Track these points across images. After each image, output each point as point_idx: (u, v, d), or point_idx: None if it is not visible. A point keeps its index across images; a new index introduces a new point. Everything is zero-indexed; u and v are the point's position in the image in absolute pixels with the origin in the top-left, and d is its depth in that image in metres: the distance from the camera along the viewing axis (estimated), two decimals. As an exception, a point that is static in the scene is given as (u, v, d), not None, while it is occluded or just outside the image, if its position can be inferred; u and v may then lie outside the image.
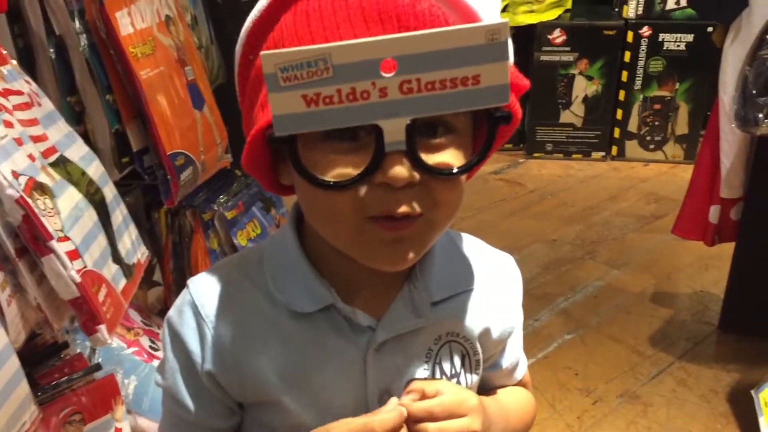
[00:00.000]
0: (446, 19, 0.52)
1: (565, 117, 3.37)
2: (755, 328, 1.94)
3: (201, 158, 1.38)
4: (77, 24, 1.15)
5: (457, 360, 0.68)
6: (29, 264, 0.83)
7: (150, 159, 1.29)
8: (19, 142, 0.84)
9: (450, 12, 0.52)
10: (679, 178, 3.05)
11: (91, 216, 0.93)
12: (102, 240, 0.94)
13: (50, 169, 0.88)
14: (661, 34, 3.15)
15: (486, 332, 0.69)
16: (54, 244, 0.81)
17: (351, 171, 0.52)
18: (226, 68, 1.69)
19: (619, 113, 3.34)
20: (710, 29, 2.76)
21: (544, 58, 3.27)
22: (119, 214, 1.03)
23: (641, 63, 3.21)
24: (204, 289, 0.65)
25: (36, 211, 0.80)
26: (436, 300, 0.65)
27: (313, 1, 0.52)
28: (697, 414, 1.71)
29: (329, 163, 0.53)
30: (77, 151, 0.98)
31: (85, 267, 0.86)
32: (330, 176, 0.52)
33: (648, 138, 3.34)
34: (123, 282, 0.97)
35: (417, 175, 0.52)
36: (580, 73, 3.28)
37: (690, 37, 3.13)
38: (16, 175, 0.80)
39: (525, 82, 0.56)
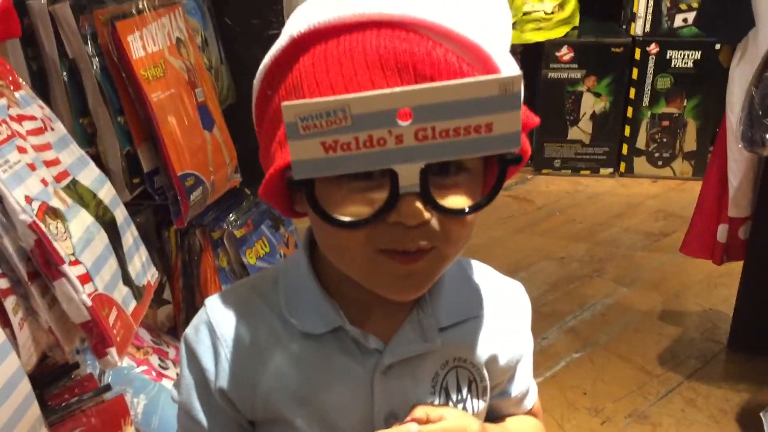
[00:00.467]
0: (460, 65, 0.53)
1: (573, 133, 3.37)
2: (765, 347, 1.94)
3: (211, 178, 1.40)
4: (90, 47, 1.16)
5: (464, 386, 0.68)
6: (41, 288, 0.84)
7: (161, 180, 1.30)
8: (32, 167, 0.85)
9: (464, 54, 0.53)
10: (687, 195, 3.04)
11: (102, 239, 0.94)
12: (113, 263, 0.96)
13: (62, 193, 0.89)
14: (668, 51, 3.16)
15: (493, 359, 0.70)
16: (66, 268, 0.82)
17: (365, 209, 0.53)
18: (236, 88, 1.71)
19: (627, 130, 3.34)
20: (717, 46, 2.76)
21: (551, 75, 3.28)
22: (130, 236, 1.04)
23: (649, 80, 3.22)
24: (220, 309, 0.67)
25: (48, 235, 0.81)
26: (444, 325, 0.66)
27: (331, 46, 0.53)
28: (707, 435, 1.70)
29: (344, 199, 0.54)
30: (89, 175, 0.99)
31: (96, 290, 0.87)
32: (344, 213, 0.54)
33: (656, 154, 3.34)
34: (133, 304, 0.98)
35: (430, 215, 0.53)
36: (588, 90, 3.29)
37: (698, 54, 3.13)
38: (29, 200, 0.81)
39: (535, 120, 0.57)
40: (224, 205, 1.63)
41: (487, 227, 2.81)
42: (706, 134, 3.24)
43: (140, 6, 1.27)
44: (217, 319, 0.67)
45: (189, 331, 0.69)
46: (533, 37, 3.26)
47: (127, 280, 0.99)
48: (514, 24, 3.22)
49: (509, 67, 0.55)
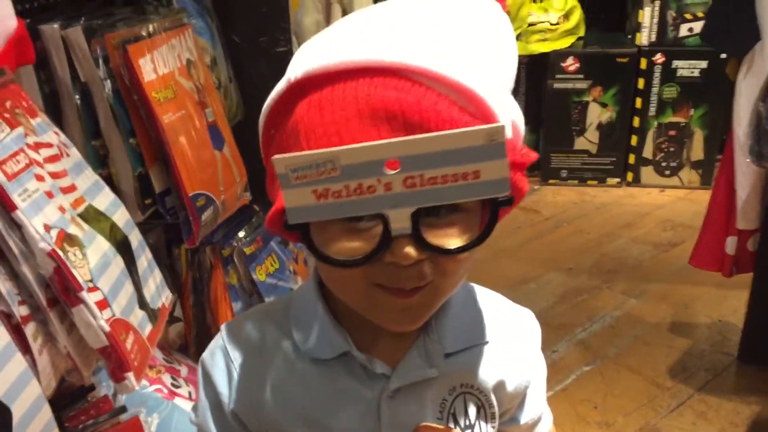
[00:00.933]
0: (450, 112, 0.53)
1: (580, 144, 3.38)
2: (775, 359, 1.93)
3: (221, 198, 1.41)
4: (101, 71, 1.18)
5: (472, 411, 0.69)
6: (60, 314, 0.85)
7: (172, 200, 1.31)
8: (49, 194, 0.86)
9: (458, 99, 0.54)
10: (695, 204, 3.04)
11: (118, 264, 0.95)
12: (129, 287, 0.96)
13: (79, 220, 0.90)
14: (674, 61, 3.16)
15: (500, 385, 0.71)
16: (84, 294, 0.83)
17: (361, 246, 0.55)
18: (245, 105, 1.72)
19: (634, 139, 3.34)
20: (723, 56, 2.77)
21: (557, 85, 3.29)
22: (144, 260, 1.05)
23: (655, 90, 3.22)
24: (234, 334, 0.70)
25: (66, 263, 0.82)
26: (449, 351, 0.68)
27: (326, 93, 0.54)
28: (718, 448, 1.70)
29: (339, 236, 0.55)
30: (104, 200, 1.00)
31: (113, 316, 0.88)
32: (340, 250, 0.55)
33: (663, 164, 3.34)
34: (149, 327, 0.99)
35: (423, 255, 0.54)
36: (594, 101, 3.29)
37: (704, 64, 3.14)
38: (47, 228, 0.82)
39: (533, 156, 0.58)
40: (234, 223, 1.64)
41: (494, 238, 2.73)
42: (713, 143, 3.24)
43: (150, 29, 1.28)
44: (231, 344, 0.69)
45: (206, 355, 0.71)
46: (539, 48, 3.27)
47: (142, 303, 1.00)
48: (519, 35, 3.24)
49: (505, 109, 0.56)
